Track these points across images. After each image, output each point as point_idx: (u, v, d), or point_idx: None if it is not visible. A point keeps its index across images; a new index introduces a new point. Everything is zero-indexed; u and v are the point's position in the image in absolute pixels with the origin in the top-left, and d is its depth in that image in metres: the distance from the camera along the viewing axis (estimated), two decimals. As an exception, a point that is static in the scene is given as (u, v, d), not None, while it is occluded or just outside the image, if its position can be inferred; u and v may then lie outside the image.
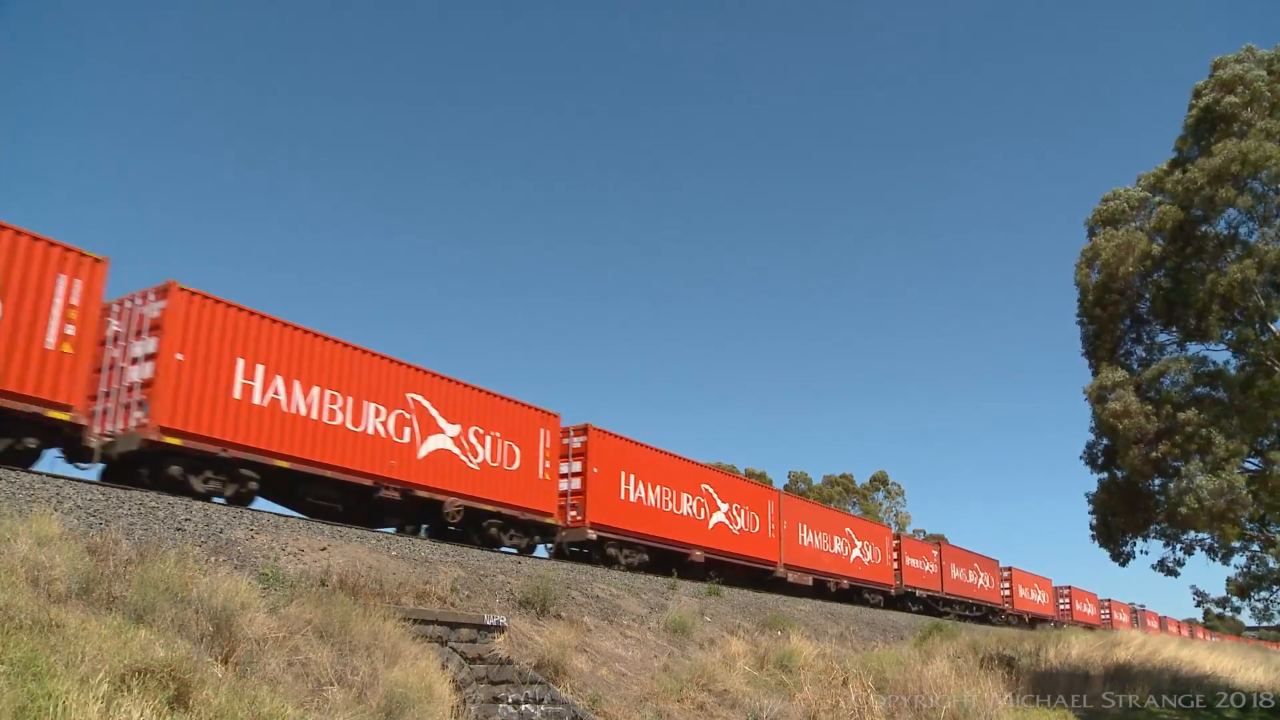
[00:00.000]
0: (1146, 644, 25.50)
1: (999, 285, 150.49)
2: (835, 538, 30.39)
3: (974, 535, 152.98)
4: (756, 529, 25.97)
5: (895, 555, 34.48)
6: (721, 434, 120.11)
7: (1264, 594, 18.80)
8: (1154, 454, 16.09)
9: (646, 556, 21.36)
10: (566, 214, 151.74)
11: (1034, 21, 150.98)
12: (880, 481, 61.35)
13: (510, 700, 10.61)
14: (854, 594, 30.85)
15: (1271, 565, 18.52)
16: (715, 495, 24.39)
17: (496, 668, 11.14)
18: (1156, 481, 17.37)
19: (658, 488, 22.16)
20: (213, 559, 10.18)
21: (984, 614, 41.27)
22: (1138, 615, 63.42)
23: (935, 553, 38.40)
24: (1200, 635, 67.88)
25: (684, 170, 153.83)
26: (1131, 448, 16.31)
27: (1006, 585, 45.99)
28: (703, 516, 23.76)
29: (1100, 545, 19.45)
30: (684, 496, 23.04)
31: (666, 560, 22.04)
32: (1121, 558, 19.11)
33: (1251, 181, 15.15)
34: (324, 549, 12.28)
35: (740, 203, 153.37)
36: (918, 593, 35.13)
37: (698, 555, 22.80)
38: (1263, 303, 15.50)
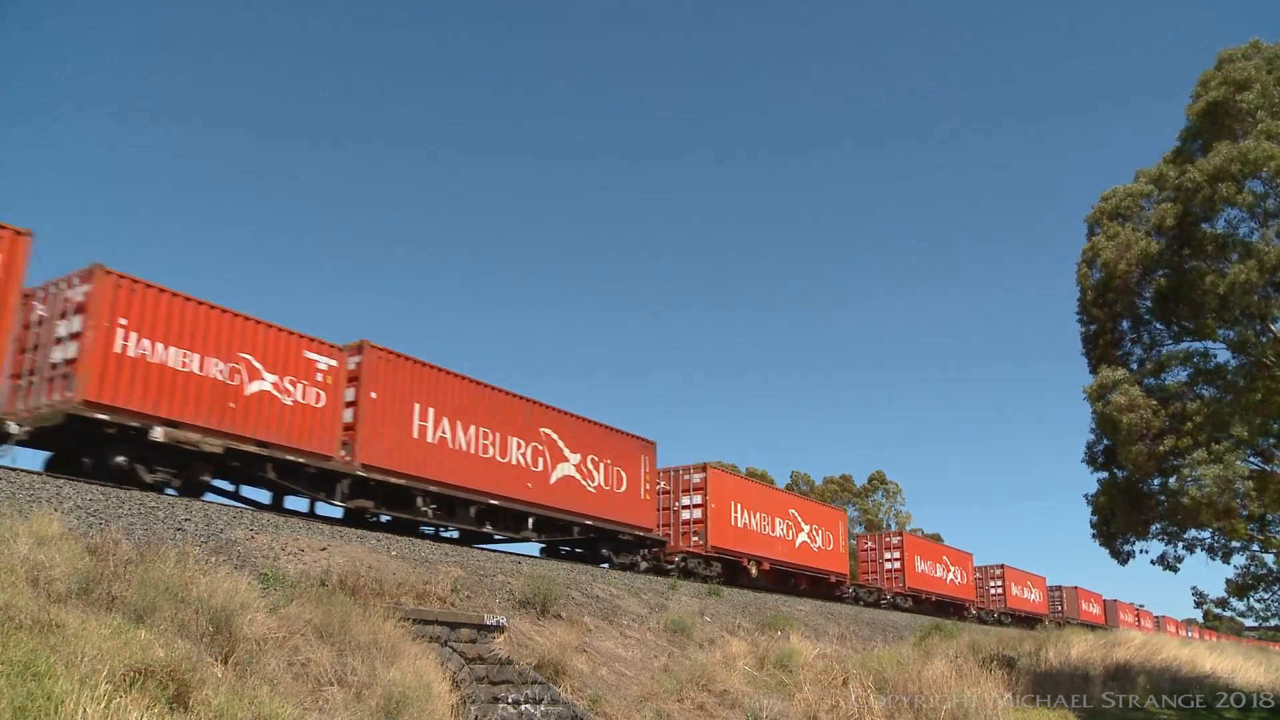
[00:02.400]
0: (1147, 644, 25.50)
1: (1000, 286, 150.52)
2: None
3: (978, 537, 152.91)
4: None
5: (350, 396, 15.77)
6: (723, 434, 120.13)
7: (1263, 594, 18.79)
8: (1158, 449, 16.09)
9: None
10: (567, 217, 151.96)
11: (1033, 22, 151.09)
12: (879, 481, 61.15)
13: (510, 700, 10.61)
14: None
15: (1271, 565, 18.52)
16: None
17: (496, 668, 11.15)
18: (1157, 481, 17.38)
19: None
20: (213, 559, 10.19)
21: (682, 566, 23.51)
22: (1062, 595, 54.79)
23: (549, 432, 19.53)
24: (1170, 627, 66.16)
25: (686, 173, 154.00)
26: (1134, 444, 16.27)
27: (787, 525, 28.18)
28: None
29: (1101, 545, 19.46)
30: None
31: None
32: (1121, 557, 19.13)
33: (1251, 181, 15.13)
34: (324, 549, 12.29)
35: (741, 204, 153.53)
36: (430, 489, 16.81)
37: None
38: (1263, 304, 15.48)
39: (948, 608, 39.51)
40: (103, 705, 5.67)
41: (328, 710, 8.12)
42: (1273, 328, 16.06)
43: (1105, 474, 18.95)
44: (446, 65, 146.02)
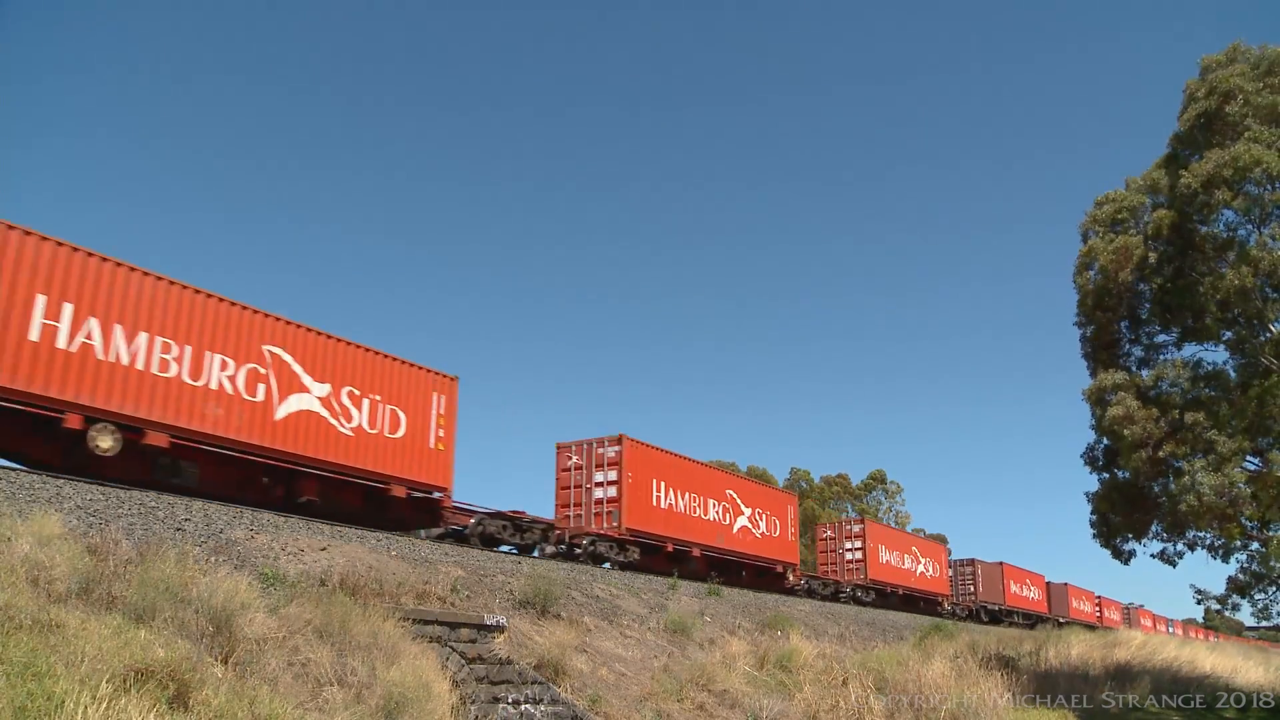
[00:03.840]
0: (1147, 644, 25.52)
1: (1000, 285, 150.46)
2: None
3: (979, 536, 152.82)
4: None
5: None
6: (723, 433, 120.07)
7: (1264, 593, 18.82)
8: (1158, 455, 16.14)
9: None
10: (568, 214, 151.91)
11: (1032, 22, 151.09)
12: (877, 480, 60.76)
13: (510, 700, 10.60)
14: None
15: (1272, 564, 18.53)
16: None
17: (496, 668, 11.14)
18: (1158, 483, 17.41)
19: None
20: (213, 559, 10.19)
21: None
22: (975, 572, 41.73)
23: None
24: (1146, 620, 58.28)
25: (685, 171, 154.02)
26: (1135, 451, 16.36)
27: (265, 377, 14.81)
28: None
29: (1101, 545, 19.50)
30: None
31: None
32: (1122, 556, 19.17)
33: (1246, 185, 15.23)
34: (324, 549, 12.29)
35: (741, 203, 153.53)
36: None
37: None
38: (1260, 306, 15.55)
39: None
40: (103, 705, 5.67)
41: (327, 710, 8.11)
42: (1271, 328, 16.09)
43: (1105, 475, 19.00)
44: (437, 57, 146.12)
